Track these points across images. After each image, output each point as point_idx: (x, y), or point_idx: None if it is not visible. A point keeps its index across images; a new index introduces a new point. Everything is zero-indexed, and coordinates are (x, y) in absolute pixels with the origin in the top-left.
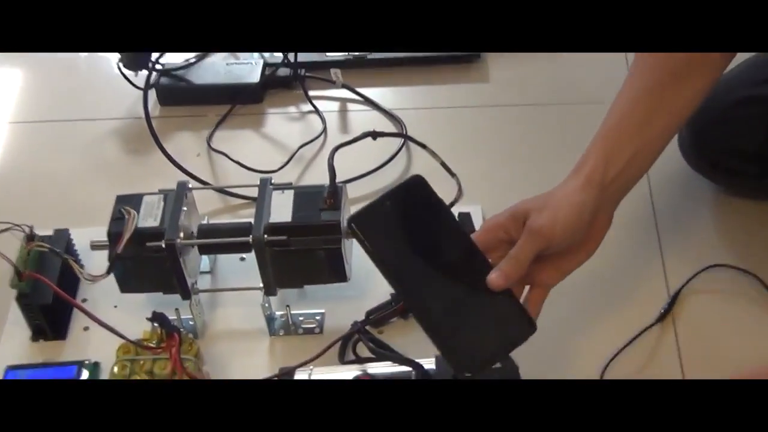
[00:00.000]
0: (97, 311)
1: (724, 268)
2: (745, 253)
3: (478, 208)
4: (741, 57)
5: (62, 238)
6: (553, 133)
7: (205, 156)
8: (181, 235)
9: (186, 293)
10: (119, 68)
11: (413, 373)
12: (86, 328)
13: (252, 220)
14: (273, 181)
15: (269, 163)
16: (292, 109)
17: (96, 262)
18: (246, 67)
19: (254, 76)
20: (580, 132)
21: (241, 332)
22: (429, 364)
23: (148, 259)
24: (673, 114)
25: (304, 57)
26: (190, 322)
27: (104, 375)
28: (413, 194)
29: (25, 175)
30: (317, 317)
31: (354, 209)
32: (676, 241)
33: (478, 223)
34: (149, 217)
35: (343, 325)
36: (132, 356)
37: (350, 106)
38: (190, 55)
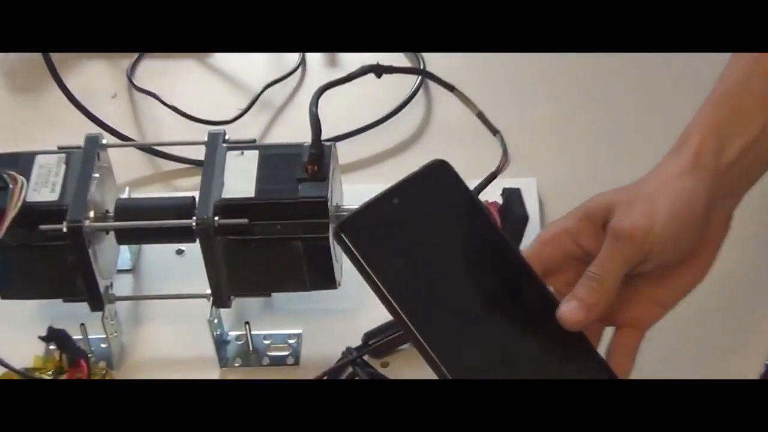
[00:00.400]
0: None
1: None
2: None
3: (531, 181)
4: None
5: None
6: (652, 84)
7: (125, 97)
8: (91, 214)
9: (97, 301)
10: None
11: None
12: None
13: (196, 195)
14: (228, 138)
15: (221, 111)
16: None
17: None
18: None
19: None
20: (694, 85)
21: (177, 361)
22: None
23: (41, 250)
24: None
25: None
26: (102, 345)
27: None
28: (433, 188)
29: None
30: (291, 341)
31: (348, 193)
32: None
33: (531, 205)
34: (44, 187)
35: (329, 354)
36: None
37: None
38: None
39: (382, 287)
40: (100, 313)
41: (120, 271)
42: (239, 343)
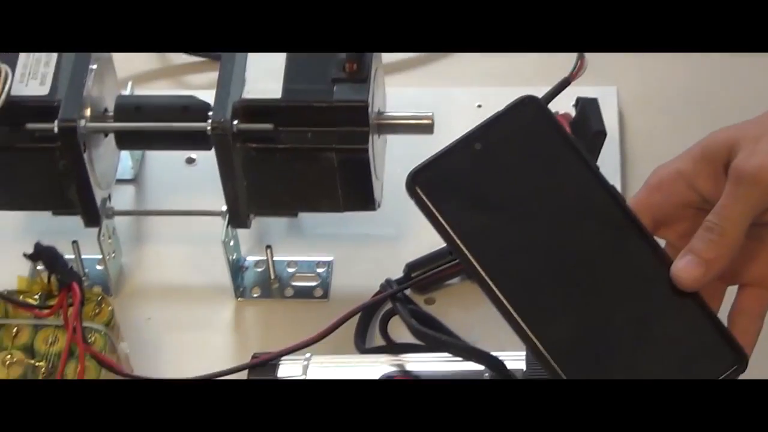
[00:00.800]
0: None
1: None
2: None
3: (611, 90)
4: None
5: None
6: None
7: None
8: (87, 113)
9: (92, 215)
10: None
11: (486, 373)
12: None
13: (212, 94)
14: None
15: None
16: None
17: None
18: None
19: None
20: None
21: (184, 289)
22: (513, 359)
23: (28, 153)
24: None
25: None
26: (98, 267)
27: None
28: (522, 130)
29: None
30: (320, 270)
31: (393, 96)
32: None
33: (610, 118)
34: (32, 79)
35: (364, 286)
36: None
37: None
38: None
39: (463, 248)
40: (95, 230)
41: (120, 181)
42: (259, 270)
